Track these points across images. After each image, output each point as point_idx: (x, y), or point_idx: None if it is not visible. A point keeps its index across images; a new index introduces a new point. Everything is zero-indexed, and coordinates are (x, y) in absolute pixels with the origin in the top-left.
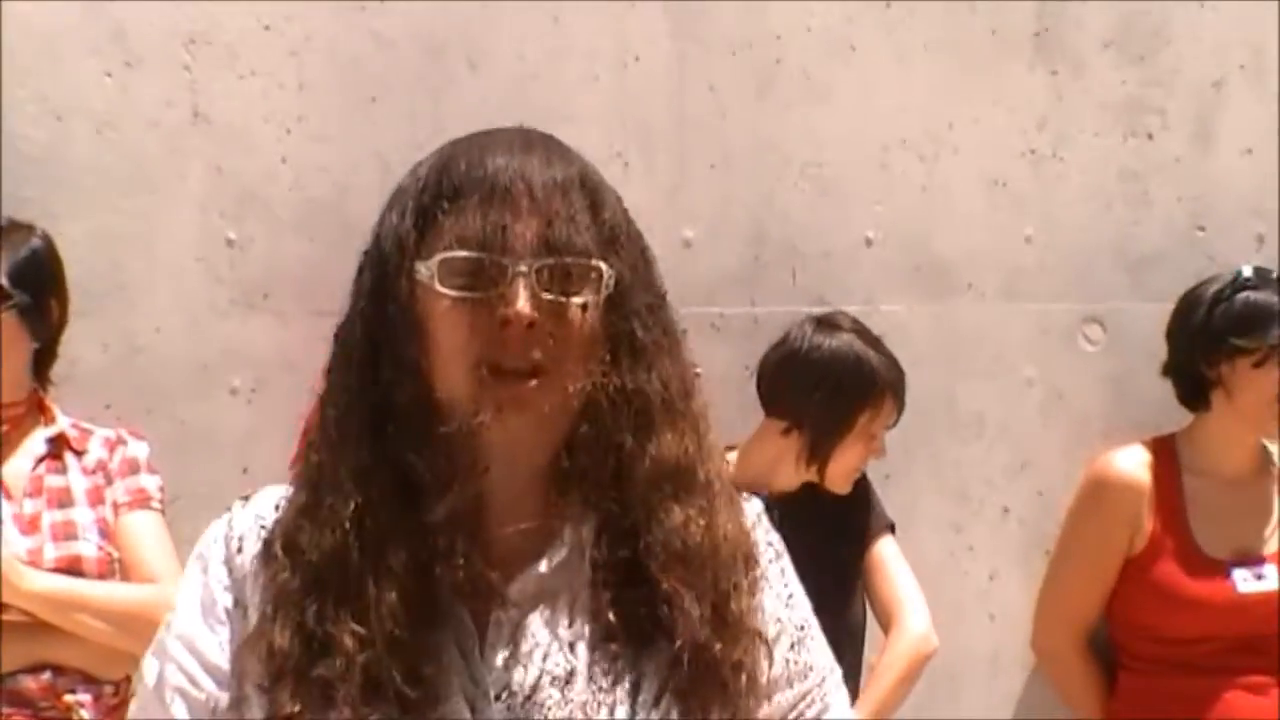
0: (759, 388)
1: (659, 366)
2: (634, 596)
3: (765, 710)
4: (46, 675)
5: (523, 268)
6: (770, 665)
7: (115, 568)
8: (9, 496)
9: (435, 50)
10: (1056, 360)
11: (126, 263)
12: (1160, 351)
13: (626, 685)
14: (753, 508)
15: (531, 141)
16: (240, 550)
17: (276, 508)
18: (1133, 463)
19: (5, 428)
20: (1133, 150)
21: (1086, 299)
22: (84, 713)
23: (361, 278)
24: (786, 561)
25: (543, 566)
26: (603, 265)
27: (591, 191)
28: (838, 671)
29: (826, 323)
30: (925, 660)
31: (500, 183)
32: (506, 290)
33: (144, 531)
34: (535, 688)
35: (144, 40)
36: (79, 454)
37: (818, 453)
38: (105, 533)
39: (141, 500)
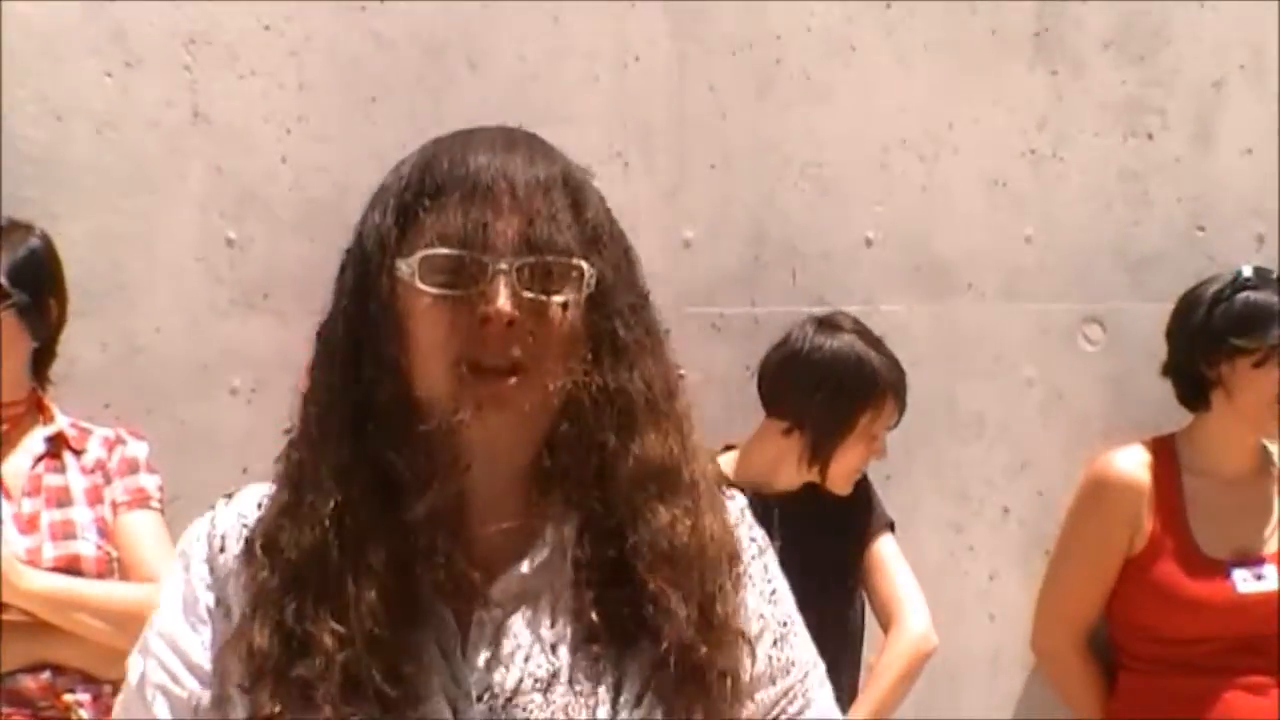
0: (760, 388)
1: (641, 366)
2: (617, 597)
3: (749, 707)
4: (46, 675)
5: (503, 266)
6: (753, 663)
7: (114, 567)
8: (8, 496)
9: (435, 50)
10: (1056, 360)
11: (126, 262)
12: (1160, 351)
13: (608, 686)
14: (736, 504)
15: (514, 140)
16: (223, 549)
17: (259, 506)
18: (1132, 463)
19: (4, 427)
20: (1133, 150)
21: (1086, 299)
22: (83, 712)
23: (344, 276)
24: (770, 557)
25: (525, 567)
26: (584, 264)
27: (574, 190)
28: (821, 667)
29: (828, 323)
30: (925, 659)
31: (482, 181)
32: (487, 288)
33: (143, 531)
34: (517, 689)
35: (144, 40)
36: (78, 453)
37: (819, 453)
38: (104, 532)
39: (140, 500)
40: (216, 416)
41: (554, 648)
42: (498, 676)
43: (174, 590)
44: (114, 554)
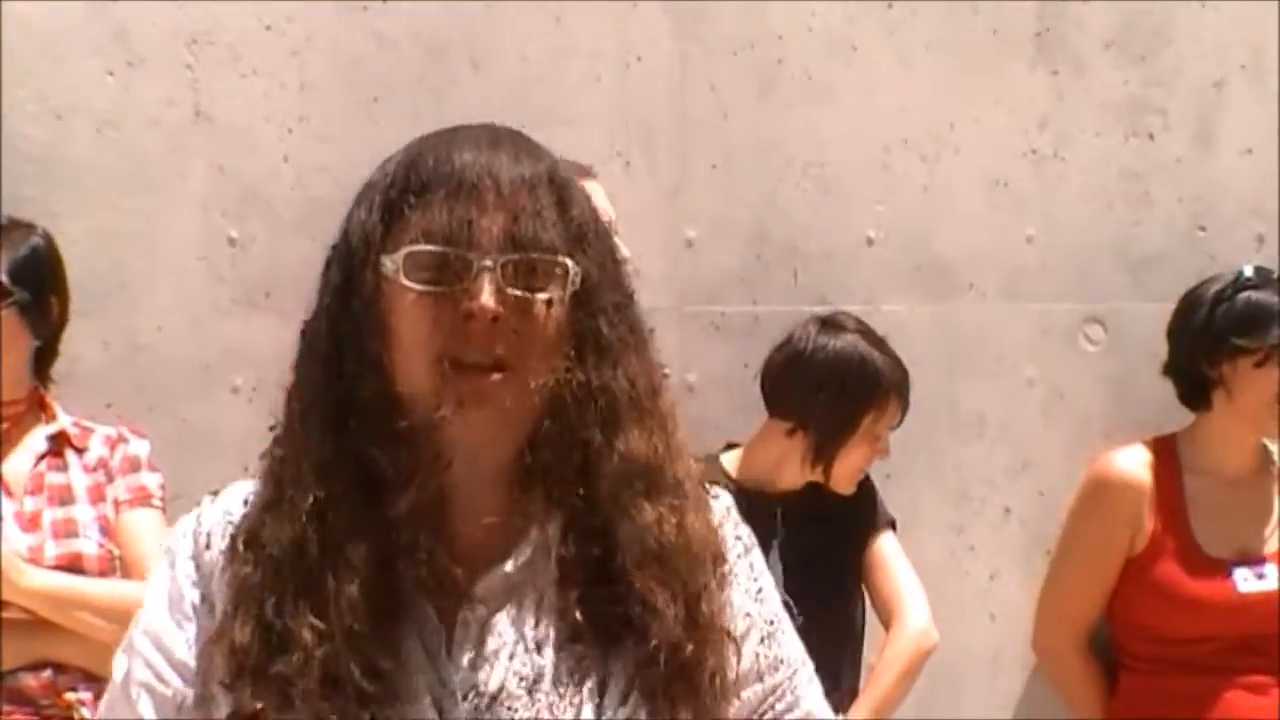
0: (763, 388)
1: (625, 364)
2: (602, 595)
3: (735, 705)
4: (47, 673)
5: (488, 262)
6: (739, 662)
7: (116, 565)
8: (10, 494)
9: (437, 50)
10: (1057, 360)
11: (128, 262)
12: (1161, 351)
13: (593, 685)
14: (720, 503)
15: (499, 138)
16: (208, 546)
17: (245, 503)
18: (1134, 462)
19: (6, 425)
20: (1134, 150)
21: (1088, 299)
22: (85, 710)
23: (329, 273)
24: (756, 555)
25: (509, 565)
26: (569, 262)
27: (559, 188)
28: (809, 665)
29: (831, 323)
30: (926, 655)
31: (467, 178)
32: (471, 285)
33: (145, 529)
34: (502, 688)
35: (146, 40)
36: (80, 451)
37: (823, 454)
38: (106, 530)
39: (142, 498)
40: (218, 415)
41: (539, 647)
42: (482, 675)
43: (159, 588)
44: (116, 552)
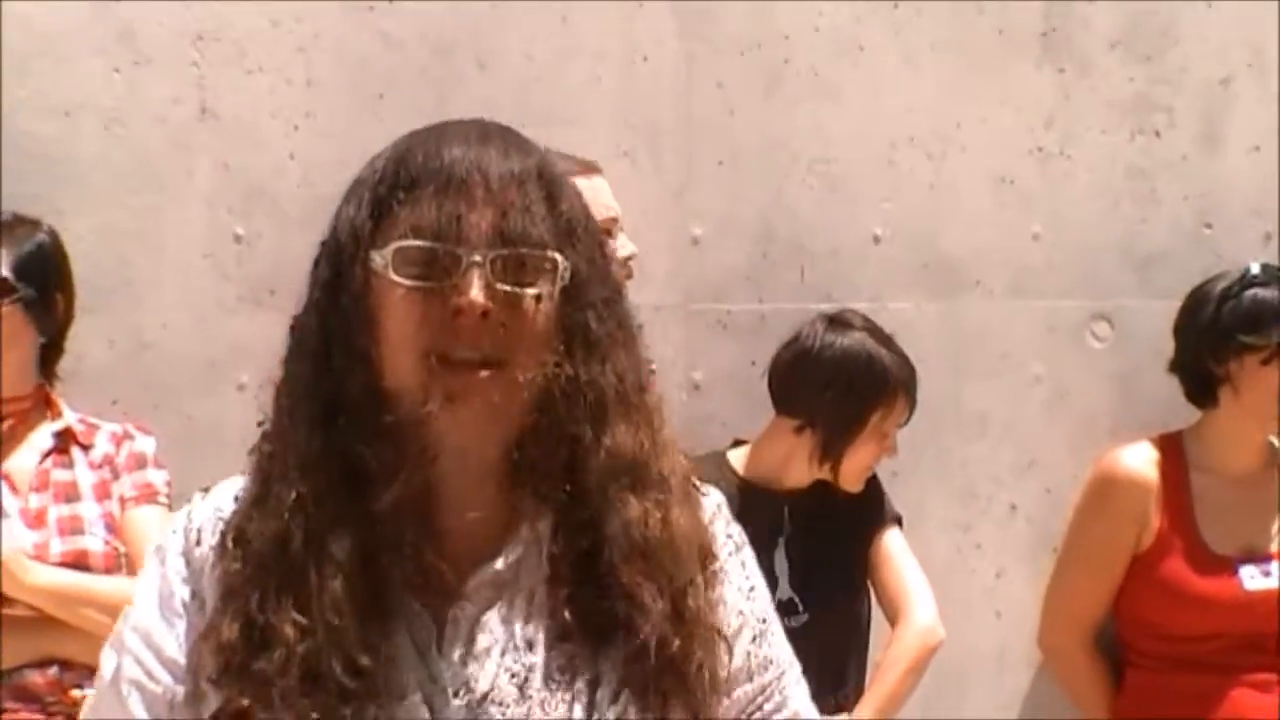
0: (771, 386)
1: (613, 359)
2: (591, 592)
3: (725, 704)
4: (53, 670)
5: (477, 258)
6: (730, 660)
7: (122, 562)
8: (15, 491)
9: (443, 49)
10: (1064, 358)
11: (134, 259)
12: (1167, 349)
13: (584, 682)
14: (712, 500)
15: (489, 133)
16: (199, 542)
17: (235, 499)
18: (1140, 460)
19: (11, 422)
20: (1140, 148)
21: (1094, 296)
22: None
23: (318, 269)
24: (748, 554)
25: (500, 563)
26: (558, 257)
27: (549, 183)
28: (797, 666)
29: (838, 321)
30: (932, 651)
31: (456, 173)
32: (460, 280)
33: (150, 526)
34: (493, 686)
35: (152, 37)
36: (86, 448)
37: (830, 451)
38: (112, 527)
39: (148, 495)
40: (223, 413)
41: (530, 644)
42: (474, 673)
43: (149, 584)
44: (122, 549)
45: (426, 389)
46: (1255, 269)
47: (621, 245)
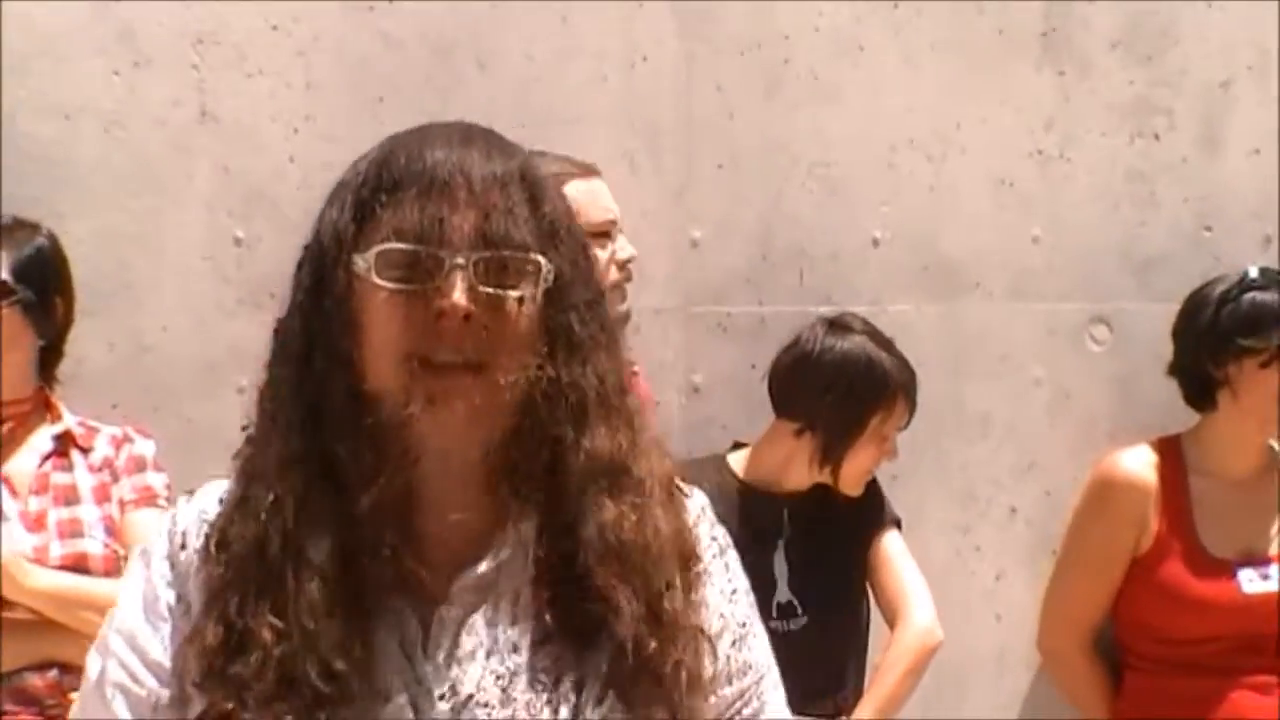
0: (771, 390)
1: (595, 362)
2: (573, 594)
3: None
4: (53, 673)
5: (460, 260)
6: (714, 661)
7: (121, 565)
8: (15, 494)
9: (444, 50)
10: (1063, 360)
11: (133, 262)
12: (1167, 352)
13: (570, 684)
14: (695, 502)
15: (471, 135)
16: (184, 545)
17: (220, 502)
18: (1139, 463)
19: (11, 425)
20: (1140, 151)
21: (1093, 299)
22: None
23: (300, 272)
24: (732, 556)
25: (485, 564)
26: (541, 259)
27: (531, 185)
28: (775, 670)
29: (838, 324)
30: (931, 653)
31: (439, 176)
32: (443, 283)
33: (150, 529)
34: (478, 688)
35: (152, 40)
36: (85, 451)
37: (830, 455)
38: (111, 530)
39: (148, 498)
40: (223, 416)
41: (515, 646)
42: (459, 675)
43: (134, 588)
44: (121, 552)
45: (408, 391)
46: (1254, 272)
47: (621, 247)
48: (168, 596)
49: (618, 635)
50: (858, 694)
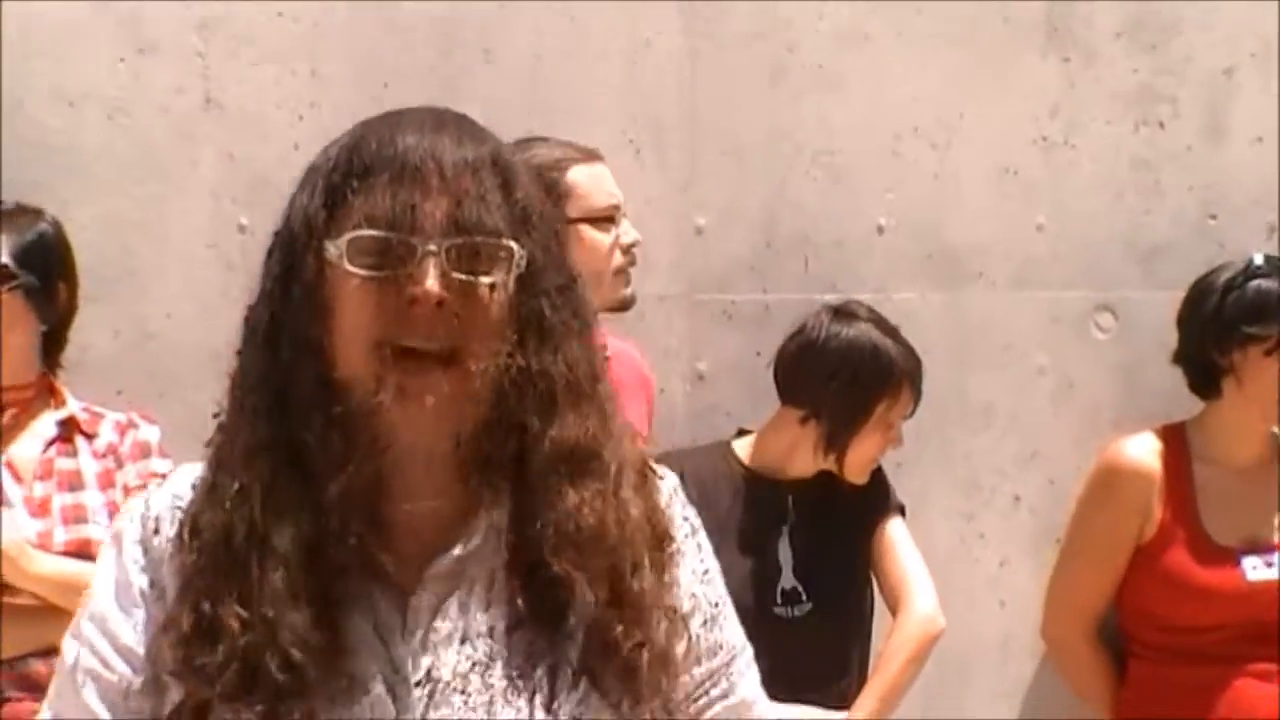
0: (776, 377)
1: (565, 349)
2: (541, 580)
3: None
4: (56, 659)
5: (432, 247)
6: (687, 641)
7: None
8: (19, 479)
9: (449, 38)
10: (1067, 349)
11: (138, 249)
12: (1171, 340)
13: (544, 669)
14: (667, 484)
15: (443, 121)
16: (157, 531)
17: (193, 487)
18: (1143, 451)
19: (14, 410)
20: (1144, 139)
21: (1098, 287)
22: None
23: (271, 259)
24: (703, 537)
25: (458, 551)
26: (513, 245)
27: (503, 171)
28: (749, 650)
29: (843, 312)
30: (933, 640)
31: (410, 162)
32: (415, 270)
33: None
34: (455, 674)
35: (157, 26)
36: (90, 437)
37: (835, 442)
38: (115, 516)
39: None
40: None
41: (490, 631)
42: (434, 661)
43: (106, 574)
44: None
45: (379, 379)
46: (1259, 260)
47: (625, 232)
48: (140, 582)
49: (578, 621)
50: (861, 681)
